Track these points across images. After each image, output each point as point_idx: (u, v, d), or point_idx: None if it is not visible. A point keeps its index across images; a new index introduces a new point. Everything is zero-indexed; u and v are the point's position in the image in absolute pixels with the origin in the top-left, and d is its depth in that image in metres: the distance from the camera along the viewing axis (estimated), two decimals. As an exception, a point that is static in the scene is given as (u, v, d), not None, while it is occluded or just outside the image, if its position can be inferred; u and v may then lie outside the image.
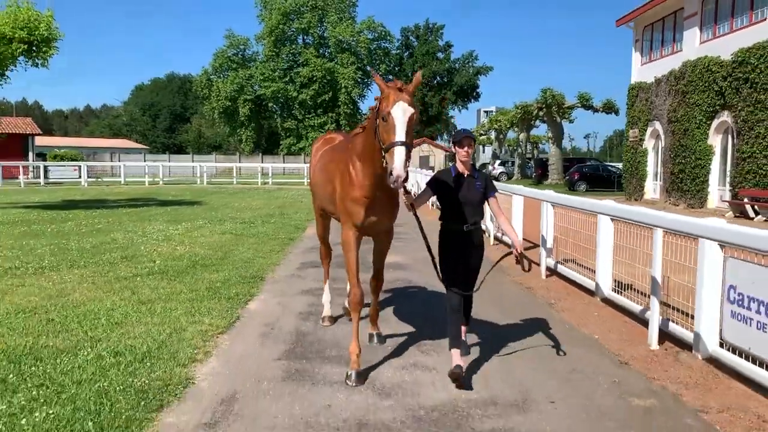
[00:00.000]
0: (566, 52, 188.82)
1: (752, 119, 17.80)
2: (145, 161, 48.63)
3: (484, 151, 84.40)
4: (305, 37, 65.71)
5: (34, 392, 3.98)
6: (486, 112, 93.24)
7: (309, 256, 9.75)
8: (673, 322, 5.45)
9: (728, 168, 19.57)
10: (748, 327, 4.37)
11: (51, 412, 3.68)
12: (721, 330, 4.77)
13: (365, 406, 4.00)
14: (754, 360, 4.34)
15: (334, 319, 5.86)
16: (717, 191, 20.35)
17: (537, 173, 41.87)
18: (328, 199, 5.03)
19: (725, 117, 19.47)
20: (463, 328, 4.70)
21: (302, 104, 62.73)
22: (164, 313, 6.02)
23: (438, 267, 4.50)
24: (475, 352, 5.06)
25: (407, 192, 4.29)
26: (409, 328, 5.75)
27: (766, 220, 16.50)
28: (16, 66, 17.01)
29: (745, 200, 17.65)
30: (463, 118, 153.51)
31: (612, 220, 6.76)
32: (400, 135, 3.76)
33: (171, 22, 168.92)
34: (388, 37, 66.76)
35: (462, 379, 4.26)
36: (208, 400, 4.05)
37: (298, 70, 62.49)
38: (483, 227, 5.92)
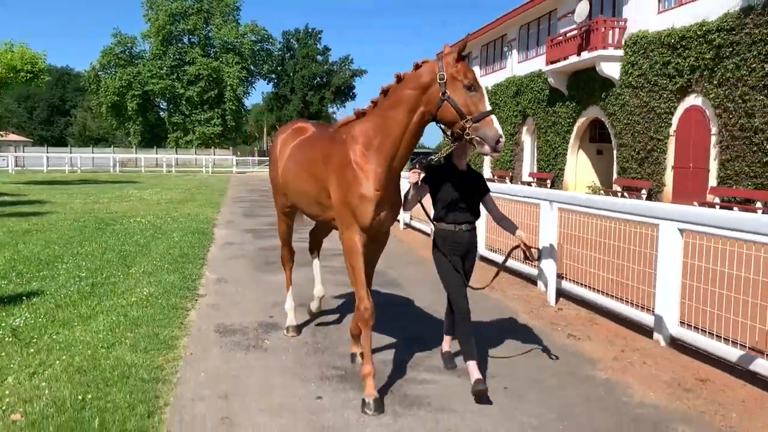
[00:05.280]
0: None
1: (542, 124, 27.76)
2: (47, 153, 53.44)
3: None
4: (191, 37, 70.95)
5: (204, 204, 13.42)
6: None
7: (235, 199, 19.25)
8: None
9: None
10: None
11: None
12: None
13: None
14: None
15: (299, 329, 5.37)
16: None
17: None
18: (308, 199, 4.53)
19: (530, 122, 28.68)
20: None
21: (189, 100, 67.76)
22: (196, 203, 15.67)
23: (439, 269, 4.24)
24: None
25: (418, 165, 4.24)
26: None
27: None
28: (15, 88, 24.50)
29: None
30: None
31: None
32: (488, 104, 3.73)
33: (43, 15, 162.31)
34: (270, 40, 73.67)
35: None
36: (231, 201, 15.07)
37: (184, 68, 67.81)
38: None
